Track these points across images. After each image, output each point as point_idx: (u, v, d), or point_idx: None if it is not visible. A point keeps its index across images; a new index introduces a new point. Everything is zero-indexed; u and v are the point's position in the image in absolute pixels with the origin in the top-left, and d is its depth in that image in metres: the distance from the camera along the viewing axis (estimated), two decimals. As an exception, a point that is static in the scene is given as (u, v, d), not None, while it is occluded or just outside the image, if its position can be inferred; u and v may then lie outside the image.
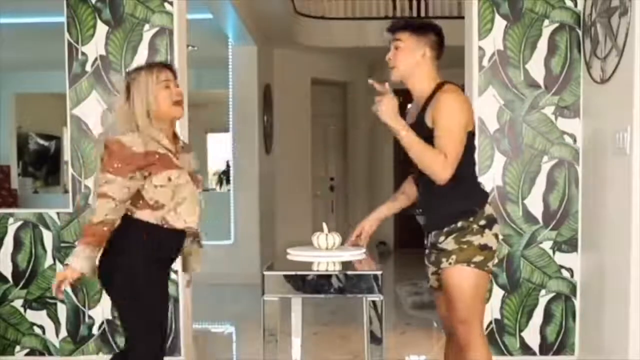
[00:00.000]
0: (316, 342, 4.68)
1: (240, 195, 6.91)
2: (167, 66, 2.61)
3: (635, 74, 3.05)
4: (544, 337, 3.84)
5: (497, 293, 3.82)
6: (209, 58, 6.97)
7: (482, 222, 2.57)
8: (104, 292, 3.82)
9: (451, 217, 2.58)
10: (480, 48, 3.79)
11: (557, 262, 3.81)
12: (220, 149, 9.88)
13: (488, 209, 2.61)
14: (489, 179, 3.75)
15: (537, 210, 3.81)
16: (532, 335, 3.84)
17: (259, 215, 6.97)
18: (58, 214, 3.95)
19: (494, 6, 3.78)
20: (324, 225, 2.84)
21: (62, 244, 3.93)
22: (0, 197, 8.25)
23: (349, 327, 5.07)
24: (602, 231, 3.48)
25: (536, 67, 3.78)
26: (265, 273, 2.42)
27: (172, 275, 3.71)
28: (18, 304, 3.97)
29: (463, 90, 2.81)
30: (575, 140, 3.78)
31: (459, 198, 2.56)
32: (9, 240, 3.96)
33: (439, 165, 2.47)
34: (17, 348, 3.99)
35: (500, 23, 3.78)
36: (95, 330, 3.94)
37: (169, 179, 2.47)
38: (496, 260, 2.68)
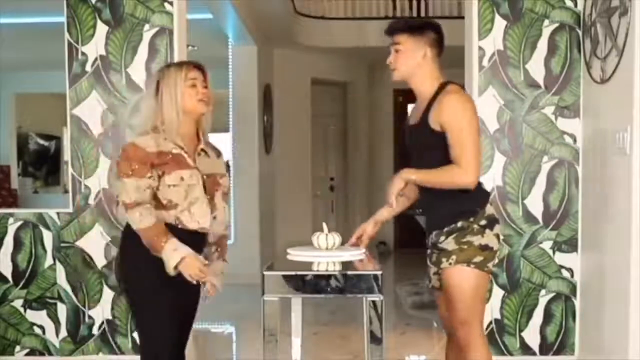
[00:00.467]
0: (316, 342, 4.68)
1: (240, 195, 6.90)
2: (198, 66, 2.61)
3: (635, 73, 3.05)
4: (544, 337, 3.84)
5: (497, 293, 3.82)
6: (209, 58, 6.87)
7: (483, 222, 2.57)
8: (103, 292, 3.90)
9: (452, 217, 2.58)
10: (480, 48, 3.79)
11: (557, 262, 3.81)
12: (220, 149, 9.87)
13: (489, 209, 2.61)
14: (489, 179, 3.75)
15: (537, 210, 3.80)
16: (532, 335, 3.84)
17: (259, 215, 6.97)
18: (58, 214, 3.95)
19: (494, 6, 3.78)
20: (324, 225, 2.84)
21: (62, 244, 3.93)
22: (0, 197, 8.25)
23: (349, 327, 5.06)
24: (602, 231, 3.48)
25: (536, 67, 3.78)
26: (265, 273, 2.42)
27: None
28: (18, 304, 3.97)
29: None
30: (575, 140, 3.78)
31: (459, 198, 2.56)
32: (9, 240, 3.96)
33: (457, 177, 2.48)
34: (17, 348, 3.99)
35: (500, 23, 3.78)
36: (95, 330, 3.94)
37: (182, 179, 2.48)
38: (496, 261, 2.67)
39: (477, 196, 2.61)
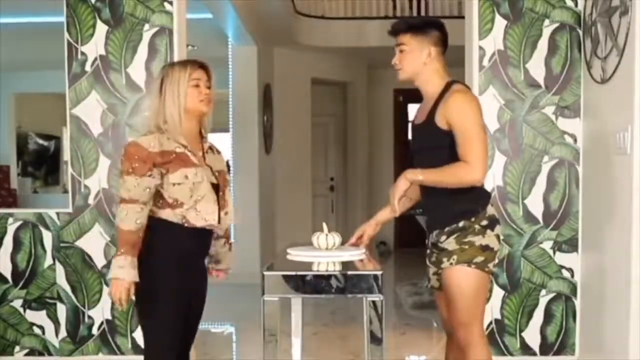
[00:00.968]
0: (316, 342, 4.67)
1: (240, 195, 6.90)
2: (203, 66, 2.60)
3: (636, 73, 3.04)
4: (545, 337, 3.84)
5: (498, 293, 3.82)
6: (209, 58, 6.84)
7: (484, 223, 2.56)
8: (103, 292, 3.89)
9: (453, 216, 2.57)
10: (480, 48, 3.79)
11: (557, 262, 3.81)
12: (220, 149, 9.87)
13: (490, 210, 2.60)
14: (489, 179, 3.75)
15: (537, 210, 3.80)
16: (532, 335, 3.84)
17: (259, 215, 6.97)
18: (57, 214, 3.95)
19: (494, 6, 3.77)
20: (324, 225, 2.84)
21: (62, 244, 3.92)
22: (-1, 197, 8.26)
23: (349, 327, 5.06)
24: (603, 231, 3.47)
25: (536, 67, 3.78)
26: (265, 273, 2.42)
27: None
28: (17, 304, 3.96)
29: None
30: (575, 140, 3.78)
31: (461, 198, 2.55)
32: (8, 240, 3.96)
33: (465, 174, 2.47)
34: (17, 348, 3.99)
35: (500, 23, 3.78)
36: (94, 331, 3.94)
37: (186, 177, 2.47)
38: (497, 261, 2.67)
39: (478, 196, 2.61)
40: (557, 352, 3.83)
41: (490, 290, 3.75)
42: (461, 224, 2.56)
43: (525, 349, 3.84)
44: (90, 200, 3.90)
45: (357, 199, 9.00)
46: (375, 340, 2.37)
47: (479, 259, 2.54)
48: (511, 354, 3.84)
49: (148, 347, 2.53)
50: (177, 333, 2.52)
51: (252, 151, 7.00)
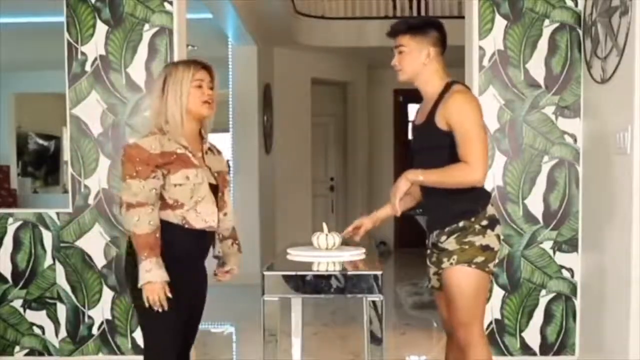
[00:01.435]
0: (316, 342, 4.67)
1: (240, 195, 6.90)
2: (206, 67, 2.59)
3: (636, 73, 3.04)
4: (545, 337, 3.84)
5: (498, 293, 3.82)
6: (209, 58, 6.85)
7: (484, 223, 2.56)
8: (103, 292, 3.89)
9: (453, 217, 2.57)
10: (480, 48, 3.79)
11: (557, 262, 3.81)
12: (220, 149, 9.87)
13: (490, 210, 2.60)
14: (489, 179, 3.74)
15: (537, 210, 3.80)
16: (532, 335, 3.84)
17: (259, 215, 6.97)
18: (57, 214, 3.95)
19: (494, 6, 3.77)
20: (324, 225, 2.84)
21: (62, 244, 3.92)
22: (-1, 196, 8.26)
23: (349, 327, 5.06)
24: (603, 231, 3.47)
25: (536, 67, 3.78)
26: (265, 273, 2.42)
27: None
28: (17, 304, 3.96)
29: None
30: (575, 140, 3.78)
31: (461, 198, 2.55)
32: (8, 240, 3.96)
33: (465, 174, 2.47)
34: (17, 348, 3.99)
35: (500, 23, 3.78)
36: (94, 331, 3.94)
37: (187, 178, 2.46)
38: (497, 261, 2.67)
39: (478, 196, 2.61)
40: (557, 352, 3.83)
41: (490, 290, 3.75)
42: (461, 224, 2.56)
43: (525, 349, 3.84)
44: (90, 200, 3.90)
45: (357, 199, 9.00)
46: (375, 340, 2.37)
47: (479, 259, 2.54)
48: (511, 354, 3.84)
49: (148, 347, 2.52)
50: (178, 333, 2.52)
51: (252, 151, 7.00)
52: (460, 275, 2.55)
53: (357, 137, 9.03)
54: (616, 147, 3.25)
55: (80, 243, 3.91)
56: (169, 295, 2.39)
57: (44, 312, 3.96)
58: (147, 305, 2.39)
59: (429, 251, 2.72)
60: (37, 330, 3.97)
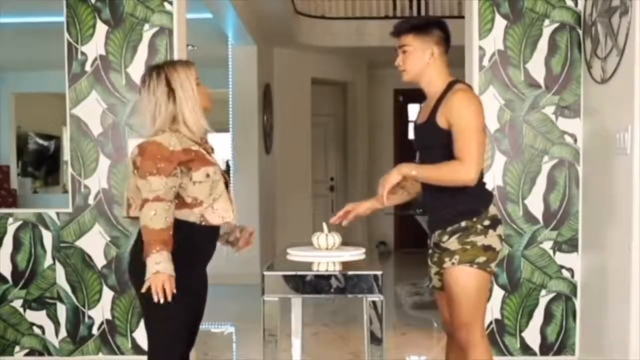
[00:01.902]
0: (316, 342, 4.67)
1: (240, 195, 6.88)
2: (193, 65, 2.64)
3: (636, 73, 3.04)
4: (545, 337, 3.83)
5: (498, 293, 3.82)
6: (208, 58, 6.93)
7: (486, 223, 2.56)
8: (103, 292, 3.89)
9: (455, 216, 2.57)
10: (480, 48, 3.79)
11: (557, 262, 3.81)
12: (219, 149, 9.88)
13: (492, 210, 2.60)
14: (489, 179, 3.75)
15: (537, 210, 3.80)
16: (532, 335, 3.83)
17: (258, 215, 6.97)
18: (57, 214, 3.94)
19: (494, 6, 3.77)
20: (324, 225, 2.84)
21: (62, 244, 3.92)
22: (-1, 197, 8.25)
23: (349, 327, 5.06)
24: (603, 231, 3.47)
25: (536, 67, 3.77)
26: (265, 273, 2.42)
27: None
28: (17, 304, 3.96)
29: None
30: (575, 140, 3.78)
31: (463, 198, 2.55)
32: (8, 240, 3.96)
33: (458, 172, 2.47)
34: (17, 348, 3.99)
35: (500, 23, 3.78)
36: (95, 331, 3.94)
37: (207, 175, 2.47)
38: (497, 261, 2.67)
39: (480, 196, 2.61)
40: (557, 352, 3.83)
41: (490, 290, 3.75)
42: (463, 223, 2.56)
43: (525, 349, 3.84)
44: (90, 200, 3.90)
45: (357, 199, 8.94)
46: (376, 340, 2.37)
47: (481, 259, 2.54)
48: (511, 354, 3.84)
49: (154, 348, 2.50)
50: (184, 335, 2.52)
51: (252, 151, 7.00)
52: (462, 275, 2.55)
53: (357, 137, 9.03)
54: (616, 147, 3.25)
55: (80, 243, 3.91)
56: (174, 290, 2.33)
57: (44, 312, 3.96)
58: (155, 299, 2.31)
59: (430, 251, 2.72)
60: (37, 330, 3.97)
